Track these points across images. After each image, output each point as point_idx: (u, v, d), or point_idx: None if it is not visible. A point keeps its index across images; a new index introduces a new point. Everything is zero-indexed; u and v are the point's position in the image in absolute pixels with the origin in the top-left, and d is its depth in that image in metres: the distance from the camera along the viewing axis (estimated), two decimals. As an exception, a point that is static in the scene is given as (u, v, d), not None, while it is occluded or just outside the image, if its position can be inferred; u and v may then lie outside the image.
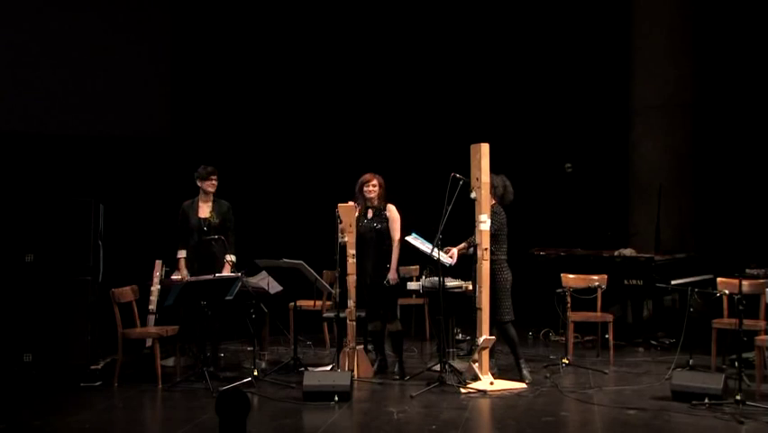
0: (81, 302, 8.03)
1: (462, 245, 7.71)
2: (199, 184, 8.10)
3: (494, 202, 7.56)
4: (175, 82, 10.92)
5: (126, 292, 7.78)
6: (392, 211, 7.88)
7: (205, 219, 8.07)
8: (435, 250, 7.43)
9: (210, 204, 8.12)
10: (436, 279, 7.64)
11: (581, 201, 11.10)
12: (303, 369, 7.65)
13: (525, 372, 7.56)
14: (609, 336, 8.50)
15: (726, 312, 7.90)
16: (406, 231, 7.86)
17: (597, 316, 8.57)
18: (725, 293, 7.75)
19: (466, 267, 7.70)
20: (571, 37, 11.65)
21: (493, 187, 7.49)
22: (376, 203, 7.89)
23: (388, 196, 7.99)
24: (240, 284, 7.55)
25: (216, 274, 7.72)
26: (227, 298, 7.50)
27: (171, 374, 7.75)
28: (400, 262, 7.90)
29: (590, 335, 9.31)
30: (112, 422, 6.64)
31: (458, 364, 7.74)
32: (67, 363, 7.90)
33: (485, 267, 7.31)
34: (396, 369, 7.92)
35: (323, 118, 11.64)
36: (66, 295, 8.02)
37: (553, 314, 8.55)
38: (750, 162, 10.69)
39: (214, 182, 8.09)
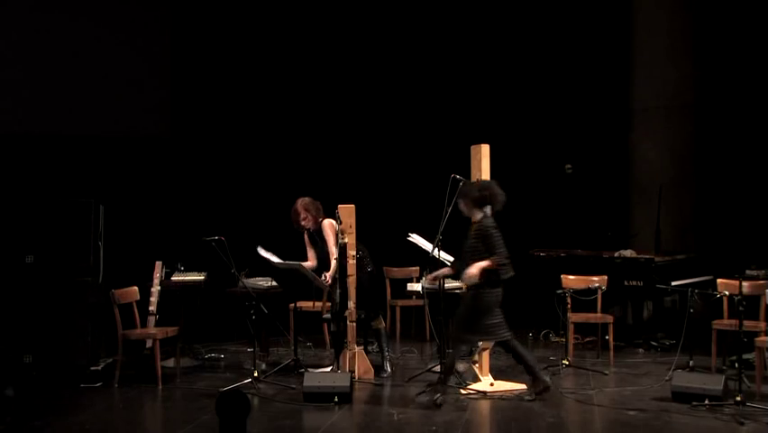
0: (81, 303, 8.03)
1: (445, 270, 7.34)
2: None
3: (481, 216, 6.93)
4: (175, 82, 10.90)
5: (126, 293, 7.78)
6: (326, 226, 8.06)
7: None
8: (436, 250, 7.43)
9: None
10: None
11: (581, 202, 11.08)
12: (303, 370, 7.66)
13: (543, 377, 7.35)
14: (609, 337, 8.51)
15: (726, 313, 7.90)
16: (405, 232, 7.88)
17: (597, 317, 8.58)
18: (725, 294, 7.75)
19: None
20: (571, 38, 11.63)
21: (470, 198, 6.88)
22: (311, 227, 8.11)
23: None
24: None
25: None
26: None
27: (171, 375, 7.76)
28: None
29: (591, 336, 9.31)
30: (112, 423, 6.64)
31: (458, 366, 7.73)
32: (67, 364, 7.90)
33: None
34: (386, 367, 7.98)
35: (323, 119, 11.62)
36: (66, 296, 8.02)
37: (554, 315, 8.55)
38: (750, 163, 10.67)
39: None
